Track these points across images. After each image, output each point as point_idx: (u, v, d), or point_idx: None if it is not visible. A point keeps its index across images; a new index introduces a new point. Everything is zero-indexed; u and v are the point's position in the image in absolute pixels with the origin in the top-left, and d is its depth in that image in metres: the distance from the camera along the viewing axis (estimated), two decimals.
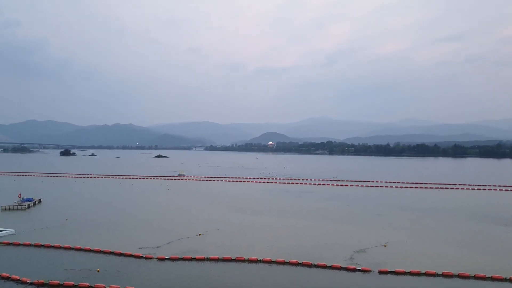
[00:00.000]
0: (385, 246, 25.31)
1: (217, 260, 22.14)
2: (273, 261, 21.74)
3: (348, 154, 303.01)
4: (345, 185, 66.67)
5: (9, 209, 37.92)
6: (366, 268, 20.44)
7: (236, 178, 78.16)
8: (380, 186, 65.29)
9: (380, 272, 19.95)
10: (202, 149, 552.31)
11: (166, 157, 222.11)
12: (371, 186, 65.89)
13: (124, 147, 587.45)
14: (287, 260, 21.76)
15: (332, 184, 67.98)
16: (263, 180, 74.10)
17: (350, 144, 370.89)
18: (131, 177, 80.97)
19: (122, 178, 79.16)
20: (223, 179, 75.32)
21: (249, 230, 30.28)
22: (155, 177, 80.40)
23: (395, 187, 64.73)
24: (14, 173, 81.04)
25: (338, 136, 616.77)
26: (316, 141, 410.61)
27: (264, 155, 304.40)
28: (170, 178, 78.93)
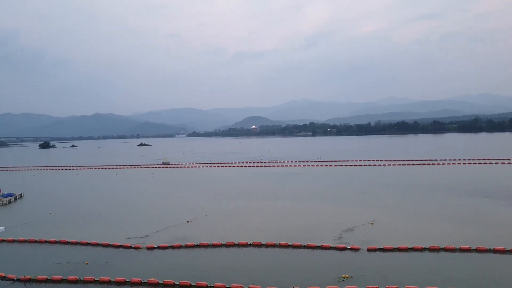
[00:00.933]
0: (372, 224, 25.69)
1: (207, 246, 22.05)
2: (263, 244, 21.81)
3: (330, 135, 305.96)
4: (329, 166, 67.37)
5: None
6: (355, 246, 20.72)
7: (221, 163, 78.01)
8: (364, 165, 66.21)
9: (369, 250, 20.25)
10: (185, 135, 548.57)
11: (149, 145, 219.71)
12: (354, 165, 66.76)
13: (105, 137, 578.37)
14: (277, 242, 21.86)
15: (316, 165, 68.59)
16: (249, 164, 74.20)
17: (332, 124, 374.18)
18: (114, 167, 79.88)
19: (105, 168, 78.10)
20: (208, 165, 75.16)
21: (238, 215, 30.30)
22: (139, 166, 79.60)
23: (378, 165, 65.77)
24: None
25: (320, 118, 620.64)
26: (299, 123, 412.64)
27: (248, 139, 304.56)
28: (154, 166, 78.28)
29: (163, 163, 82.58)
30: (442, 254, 19.48)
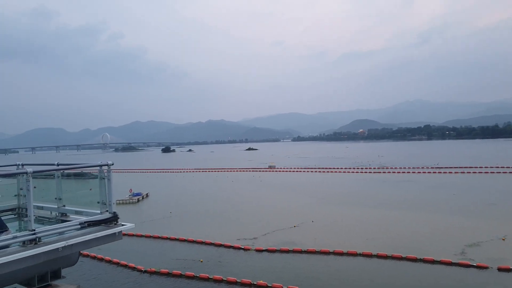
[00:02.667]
0: (503, 239, 22.56)
1: (314, 252, 21.82)
2: (374, 255, 20.71)
3: (449, 139, 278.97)
4: (449, 173, 61.23)
5: (122, 203, 42.01)
6: (482, 264, 18.39)
7: (326, 168, 76.68)
8: (491, 172, 58.73)
9: (500, 269, 17.79)
10: (290, 140, 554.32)
11: (256, 149, 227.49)
12: (479, 172, 59.61)
13: (217, 142, 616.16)
14: (389, 253, 20.58)
15: (433, 172, 62.90)
16: (356, 170, 71.45)
17: (451, 127, 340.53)
18: (226, 170, 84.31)
19: (218, 171, 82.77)
20: (314, 170, 74.41)
21: (345, 222, 29.37)
22: (248, 169, 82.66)
23: (510, 172, 57.62)
24: (124, 170, 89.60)
25: (437, 120, 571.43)
26: (412, 126, 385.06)
27: (355, 143, 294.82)
28: (261, 170, 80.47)
29: (270, 166, 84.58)
30: None
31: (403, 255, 20.17)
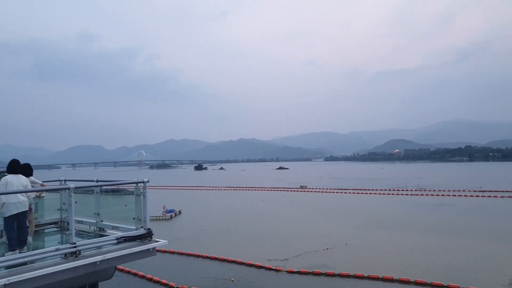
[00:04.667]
0: None
1: (348, 276, 21.25)
2: (412, 282, 19.88)
3: (493, 160, 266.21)
4: (494, 197, 58.20)
5: (156, 219, 42.75)
6: None
7: (360, 189, 74.97)
8: None
9: None
10: (322, 160, 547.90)
11: (287, 168, 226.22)
12: None
13: (248, 160, 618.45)
14: (428, 281, 19.68)
15: (476, 196, 60.03)
16: (392, 192, 69.45)
17: (495, 148, 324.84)
18: (256, 189, 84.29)
19: (248, 190, 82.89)
20: (347, 191, 72.97)
21: (380, 246, 28.46)
22: (278, 189, 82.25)
23: None
24: (158, 187, 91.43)
25: (479, 140, 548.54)
26: (452, 147, 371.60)
27: (391, 164, 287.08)
28: (292, 189, 79.82)
29: (301, 186, 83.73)
30: None
31: (444, 284, 19.22)
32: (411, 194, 65.50)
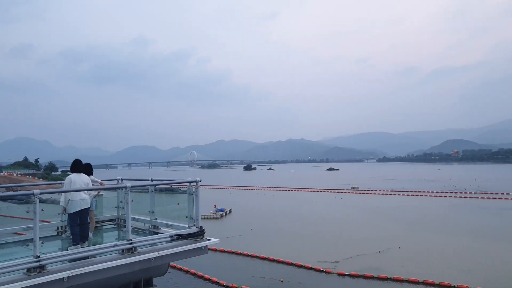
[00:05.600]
0: None
1: (401, 280, 20.44)
2: None
3: None
4: None
5: (207, 218, 43.73)
6: None
7: (415, 191, 71.82)
8: None
9: None
10: (375, 161, 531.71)
11: (338, 169, 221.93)
12: None
13: (297, 161, 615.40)
14: None
15: None
16: (449, 194, 65.87)
17: None
18: (306, 189, 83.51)
19: (297, 190, 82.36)
20: (400, 193, 70.25)
21: (436, 250, 27.10)
22: (329, 190, 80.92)
23: None
24: (209, 186, 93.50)
25: None
26: None
27: (448, 165, 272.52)
28: (343, 191, 78.20)
29: (352, 188, 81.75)
30: None
31: None
32: (470, 197, 61.65)
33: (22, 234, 9.56)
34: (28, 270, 6.05)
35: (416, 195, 67.01)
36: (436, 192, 70.34)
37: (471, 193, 67.02)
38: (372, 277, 21.11)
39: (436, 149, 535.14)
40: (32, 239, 6.38)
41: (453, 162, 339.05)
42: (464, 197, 62.53)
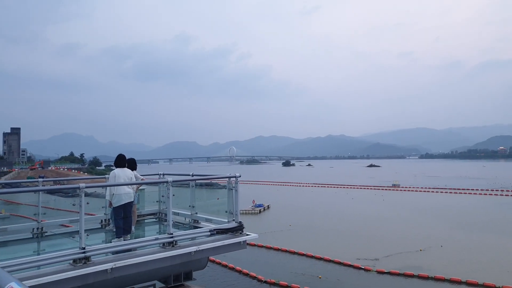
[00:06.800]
0: None
1: (443, 280, 19.66)
2: None
3: None
4: None
5: (245, 213, 44.03)
6: None
7: (458, 189, 68.73)
8: None
9: None
10: (417, 157, 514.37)
11: (379, 166, 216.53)
12: None
13: (336, 157, 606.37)
14: None
15: None
16: (494, 192, 62.53)
17: None
18: (345, 186, 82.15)
19: (337, 187, 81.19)
20: (443, 191, 67.48)
21: (480, 250, 25.88)
22: (369, 187, 79.15)
23: None
24: (248, 182, 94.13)
25: None
26: None
27: (494, 162, 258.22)
28: (384, 188, 76.19)
29: (394, 185, 79.40)
30: None
31: None
32: None
33: (68, 226, 10.03)
34: (74, 261, 6.34)
35: (459, 193, 64.05)
36: (481, 190, 66.79)
37: None
38: (413, 276, 20.44)
39: (482, 145, 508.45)
40: (78, 231, 6.65)
41: (499, 159, 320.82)
42: (511, 195, 59.06)
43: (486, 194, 61.34)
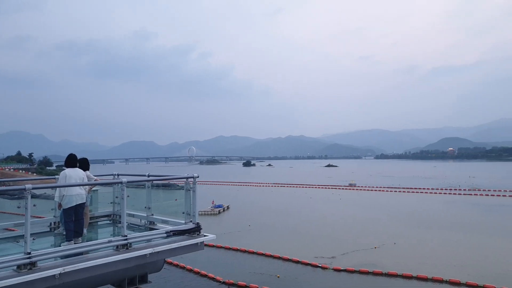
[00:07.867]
0: None
1: (396, 276, 20.53)
2: (463, 283, 18.84)
3: None
4: None
5: (204, 214, 43.67)
6: None
7: (411, 188, 72.12)
8: None
9: None
10: (372, 157, 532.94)
11: (336, 166, 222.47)
12: None
13: (296, 157, 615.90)
14: (480, 283, 18.54)
15: None
16: (444, 191, 66.21)
17: None
18: (304, 186, 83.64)
19: (296, 187, 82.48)
20: (397, 190, 70.47)
21: (430, 246, 27.24)
22: (327, 187, 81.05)
23: None
24: (208, 182, 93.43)
25: None
26: (510, 146, 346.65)
27: (443, 163, 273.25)
28: (341, 187, 78.35)
29: (350, 184, 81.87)
30: None
31: (497, 286, 18.02)
32: (464, 194, 62.03)
33: (13, 230, 9.46)
34: (18, 267, 5.96)
35: (412, 192, 67.22)
36: (432, 189, 70.59)
37: (465, 190, 67.33)
38: (368, 272, 21.18)
39: (433, 146, 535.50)
40: (23, 235, 6.28)
41: (449, 160, 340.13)
42: (459, 194, 62.82)
43: (436, 193, 64.69)
